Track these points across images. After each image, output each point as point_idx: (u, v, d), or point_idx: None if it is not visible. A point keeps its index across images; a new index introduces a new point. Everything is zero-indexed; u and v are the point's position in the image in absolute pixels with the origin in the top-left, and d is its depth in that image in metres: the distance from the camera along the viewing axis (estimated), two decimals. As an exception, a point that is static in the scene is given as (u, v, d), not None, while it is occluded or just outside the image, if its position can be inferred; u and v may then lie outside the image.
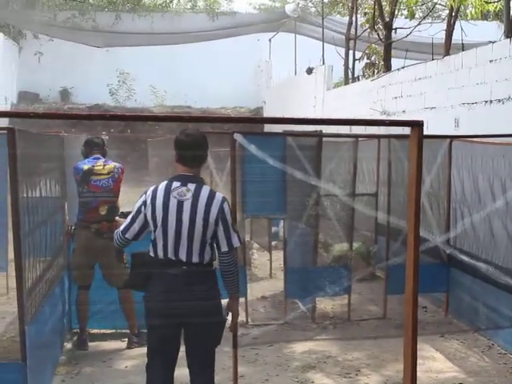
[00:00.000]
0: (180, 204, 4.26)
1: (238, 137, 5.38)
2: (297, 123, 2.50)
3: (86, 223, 6.51)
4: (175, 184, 4.33)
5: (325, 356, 6.52)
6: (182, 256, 4.28)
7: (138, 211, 4.40)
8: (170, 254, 4.30)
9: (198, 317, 4.25)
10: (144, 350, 4.63)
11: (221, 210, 4.29)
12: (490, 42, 9.38)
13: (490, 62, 8.41)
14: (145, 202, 4.37)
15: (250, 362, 6.30)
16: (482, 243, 7.09)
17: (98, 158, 6.70)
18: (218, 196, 4.36)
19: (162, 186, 4.37)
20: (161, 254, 4.32)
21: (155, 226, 4.32)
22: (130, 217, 4.46)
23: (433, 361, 6.42)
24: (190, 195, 4.28)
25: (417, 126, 2.84)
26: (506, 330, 6.64)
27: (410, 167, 2.90)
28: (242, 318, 6.79)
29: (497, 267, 6.48)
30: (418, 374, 6.02)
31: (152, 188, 4.41)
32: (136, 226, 4.40)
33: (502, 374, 6.11)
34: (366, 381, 5.94)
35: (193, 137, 4.39)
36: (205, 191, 4.33)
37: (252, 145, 5.48)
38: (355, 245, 8.79)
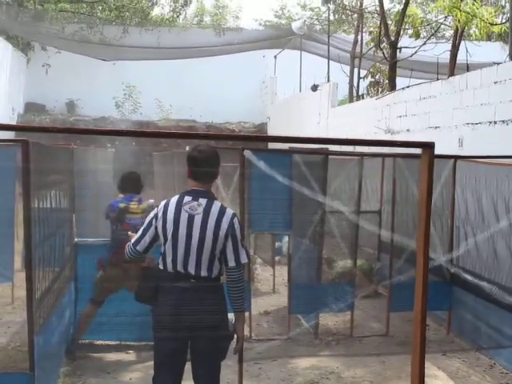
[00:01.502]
0: (191, 218, 4.33)
1: (247, 153, 5.45)
2: (305, 142, 2.57)
3: (116, 261, 6.48)
4: (187, 198, 4.40)
5: (327, 372, 6.57)
6: (191, 269, 4.35)
7: (150, 224, 4.47)
8: (179, 267, 4.36)
9: (205, 330, 4.31)
10: (149, 362, 4.67)
11: (231, 225, 4.36)
12: (495, 63, 9.48)
13: (495, 83, 8.49)
14: (156, 215, 4.45)
15: (253, 376, 6.34)
16: (485, 263, 7.15)
17: (133, 196, 6.72)
18: (229, 212, 4.43)
19: (174, 199, 4.44)
20: (170, 267, 4.39)
21: (165, 239, 4.39)
22: (141, 229, 4.53)
23: (435, 379, 6.46)
24: (201, 210, 4.35)
25: (428, 147, 2.91)
26: (507, 350, 6.68)
27: (420, 188, 2.97)
28: (245, 332, 6.84)
29: (500, 287, 6.53)
30: (421, 391, 6.07)
31: (164, 202, 4.49)
32: (147, 239, 4.47)
33: (503, 393, 6.16)
34: (369, 397, 5.99)
35: (205, 153, 4.47)
36: (216, 206, 4.40)
37: (261, 161, 5.56)
38: (359, 262, 8.84)
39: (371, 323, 8.31)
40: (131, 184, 6.84)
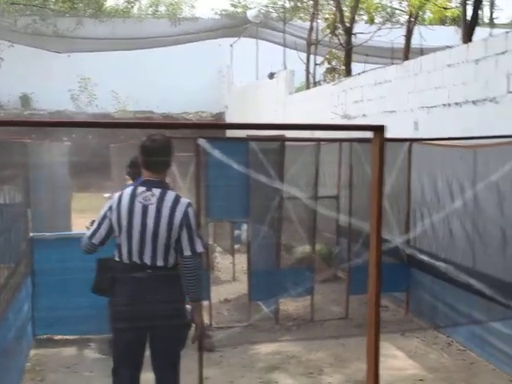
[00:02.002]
0: (145, 208, 4.31)
1: (201, 142, 5.43)
2: (259, 128, 2.56)
3: None
4: (140, 189, 4.38)
5: (288, 356, 6.61)
6: (147, 259, 4.33)
7: (104, 216, 4.44)
8: (135, 258, 4.34)
9: (163, 320, 4.28)
10: (110, 355, 4.64)
11: (185, 214, 4.34)
12: (448, 46, 9.58)
13: (448, 66, 8.57)
14: (110, 207, 4.42)
15: (214, 364, 6.34)
16: (441, 243, 7.25)
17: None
18: (183, 201, 4.41)
19: (128, 191, 4.41)
20: (125, 258, 4.36)
21: (120, 231, 4.36)
22: (96, 222, 4.49)
23: (394, 359, 6.55)
24: (154, 200, 4.32)
25: (379, 130, 2.92)
26: (464, 328, 6.79)
27: (372, 171, 2.98)
28: (206, 320, 6.84)
29: (455, 266, 6.63)
30: (380, 371, 6.16)
31: (118, 193, 4.46)
32: (102, 232, 4.44)
33: (461, 369, 6.26)
34: (329, 380, 6.04)
35: (158, 142, 4.44)
36: (170, 196, 4.38)
37: (216, 150, 5.53)
38: (317, 247, 8.90)
39: (331, 307, 8.38)
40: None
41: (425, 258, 6.92)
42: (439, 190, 7.33)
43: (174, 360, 4.56)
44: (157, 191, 4.36)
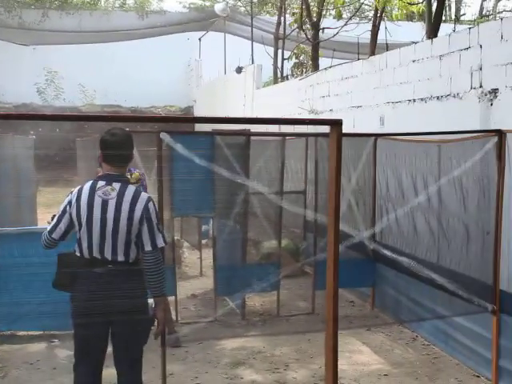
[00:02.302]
0: (104, 203, 4.28)
1: (164, 136, 5.39)
2: (215, 122, 2.55)
3: None
4: (100, 183, 4.34)
5: (254, 352, 6.61)
6: (107, 255, 4.30)
7: (64, 211, 4.40)
8: (95, 253, 4.30)
9: (124, 315, 4.25)
10: (72, 351, 4.60)
11: (145, 209, 4.31)
12: (413, 42, 9.62)
13: (413, 61, 8.61)
14: (70, 202, 4.38)
15: (179, 359, 6.34)
16: (406, 238, 7.29)
17: None
18: (143, 195, 4.38)
19: (88, 185, 4.37)
20: (86, 253, 4.33)
21: (80, 225, 4.32)
22: (56, 216, 4.45)
23: (359, 354, 6.58)
24: (114, 194, 4.29)
25: (336, 124, 2.92)
26: (428, 322, 6.86)
27: (329, 165, 2.98)
28: (172, 316, 6.81)
29: (419, 261, 6.67)
30: (345, 366, 6.24)
31: (78, 188, 4.42)
32: (62, 226, 4.40)
33: (425, 364, 6.32)
34: (294, 375, 6.05)
35: (117, 136, 4.41)
36: (130, 190, 4.35)
37: (178, 144, 5.50)
38: (284, 242, 8.91)
39: (297, 302, 8.40)
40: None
41: (389, 253, 6.95)
42: (404, 185, 7.37)
43: (136, 355, 4.52)
44: (117, 185, 4.33)
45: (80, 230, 4.34)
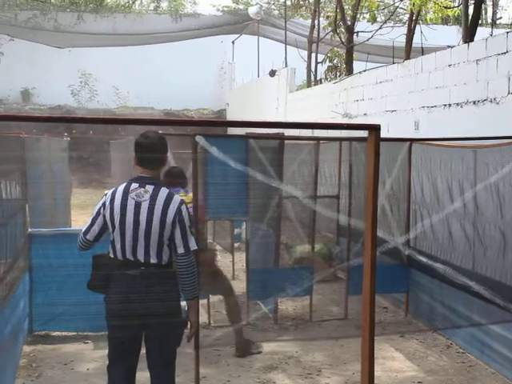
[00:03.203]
0: (138, 205, 4.30)
1: (199, 139, 5.39)
2: (249, 126, 2.54)
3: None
4: (134, 185, 4.37)
5: (286, 357, 6.58)
6: (140, 257, 4.32)
7: (98, 213, 4.44)
8: (128, 255, 4.33)
9: (157, 317, 4.27)
10: (107, 352, 4.62)
11: (178, 211, 4.33)
12: (449, 46, 9.54)
13: (449, 66, 8.54)
14: (104, 204, 4.41)
15: (212, 363, 6.33)
16: (441, 244, 7.22)
17: (179, 190, 6.70)
18: (177, 198, 4.40)
19: (121, 187, 4.40)
20: (119, 254, 4.36)
21: (113, 227, 4.35)
22: (90, 218, 4.48)
23: (392, 360, 6.52)
24: (147, 196, 4.31)
25: (374, 129, 2.89)
26: (463, 330, 6.76)
27: (367, 170, 2.95)
28: (204, 319, 6.83)
29: (454, 268, 6.60)
30: (378, 373, 6.17)
31: (112, 190, 4.46)
32: (96, 228, 4.43)
33: (459, 372, 6.23)
34: (327, 381, 6.01)
35: (151, 139, 4.43)
36: (163, 193, 4.36)
37: (213, 147, 5.50)
38: (317, 246, 8.87)
39: (330, 307, 8.36)
40: (176, 178, 6.88)
41: (424, 259, 6.88)
42: (439, 190, 7.30)
43: (169, 358, 4.53)
44: (150, 188, 4.35)
45: (113, 231, 4.37)
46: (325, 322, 7.77)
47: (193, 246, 4.39)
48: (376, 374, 6.09)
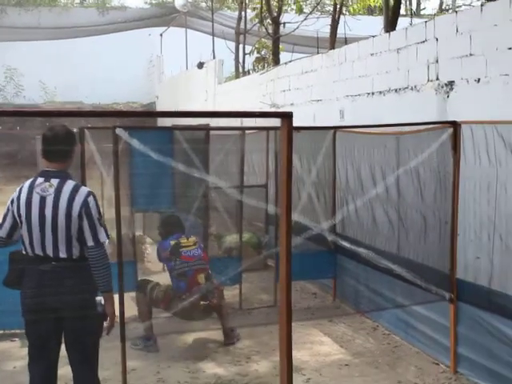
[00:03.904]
0: (43, 200, 4.25)
1: (120, 131, 5.36)
2: (163, 116, 2.55)
3: (189, 296, 6.40)
4: (39, 180, 4.32)
5: (216, 346, 6.63)
6: (49, 252, 4.28)
7: (8, 209, 4.41)
8: (38, 251, 4.30)
9: (71, 312, 4.26)
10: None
11: (84, 204, 4.27)
12: (372, 36, 9.69)
13: (371, 55, 8.67)
14: (12, 200, 4.38)
15: (140, 355, 6.32)
16: (365, 229, 7.37)
17: (180, 235, 6.79)
18: (83, 190, 4.34)
19: (28, 183, 4.37)
20: (29, 250, 4.33)
21: (21, 223, 4.32)
22: (2, 215, 4.44)
23: (320, 345, 6.64)
24: (52, 191, 4.26)
25: (286, 117, 2.94)
26: (388, 312, 6.94)
27: (281, 157, 3.01)
28: (133, 312, 6.80)
29: (379, 252, 6.73)
30: (306, 357, 6.28)
31: (20, 186, 4.41)
32: (7, 225, 4.40)
33: (385, 353, 6.40)
34: (256, 367, 6.08)
35: (55, 132, 4.40)
36: (68, 186, 4.30)
37: (134, 139, 5.47)
38: (247, 235, 8.94)
39: (260, 295, 8.44)
40: (173, 226, 6.99)
41: (349, 244, 7.01)
42: (363, 176, 7.44)
43: (88, 352, 4.50)
44: (55, 181, 4.29)
45: (21, 227, 4.33)
46: (254, 309, 7.85)
47: (103, 237, 4.34)
48: (304, 358, 6.24)
